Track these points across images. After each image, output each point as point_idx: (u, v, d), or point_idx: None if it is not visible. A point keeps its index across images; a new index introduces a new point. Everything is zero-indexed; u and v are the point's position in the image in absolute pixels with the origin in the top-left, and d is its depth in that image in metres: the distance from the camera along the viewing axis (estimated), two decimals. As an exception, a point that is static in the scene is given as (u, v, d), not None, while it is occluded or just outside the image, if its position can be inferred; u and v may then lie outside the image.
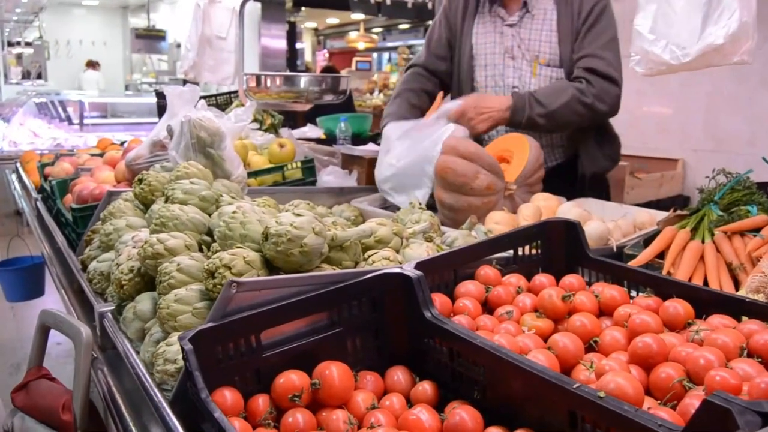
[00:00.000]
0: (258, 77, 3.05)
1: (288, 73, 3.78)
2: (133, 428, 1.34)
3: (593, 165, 2.75)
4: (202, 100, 2.58)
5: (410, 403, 1.24)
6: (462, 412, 1.12)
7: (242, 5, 3.66)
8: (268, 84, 3.12)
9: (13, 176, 4.41)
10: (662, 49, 2.28)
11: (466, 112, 2.50)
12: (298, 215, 1.40)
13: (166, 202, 1.79)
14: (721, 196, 1.90)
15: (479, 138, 2.77)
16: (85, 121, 8.61)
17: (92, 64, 15.55)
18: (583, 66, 2.57)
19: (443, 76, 2.98)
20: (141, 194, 1.97)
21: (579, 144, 2.73)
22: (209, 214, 1.73)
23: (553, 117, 2.52)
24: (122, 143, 4.06)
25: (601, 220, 2.04)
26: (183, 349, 1.11)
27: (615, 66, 2.59)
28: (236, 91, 4.24)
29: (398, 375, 1.30)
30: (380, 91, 14.14)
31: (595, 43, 2.57)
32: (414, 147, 2.41)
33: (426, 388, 1.25)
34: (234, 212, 1.49)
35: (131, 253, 1.65)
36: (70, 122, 8.54)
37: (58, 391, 1.69)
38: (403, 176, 2.42)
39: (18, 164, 4.37)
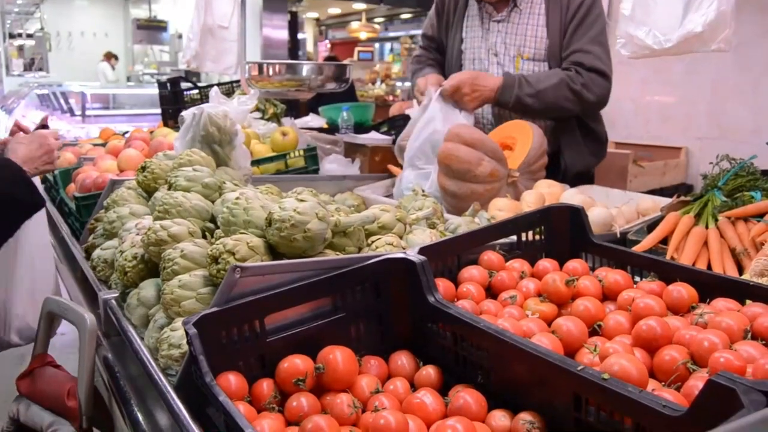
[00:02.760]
0: (260, 65, 3.04)
1: (290, 61, 3.78)
2: (138, 413, 1.34)
3: (577, 161, 2.74)
4: (216, 88, 2.58)
5: (414, 387, 1.25)
6: (466, 396, 1.12)
7: (244, -6, 3.65)
8: (271, 72, 3.11)
9: (16, 167, 4.40)
10: (645, 34, 2.33)
11: (461, 88, 2.53)
12: (302, 201, 1.40)
13: (169, 189, 1.79)
14: (725, 182, 1.90)
15: (483, 124, 2.77)
16: (87, 112, 8.62)
17: (108, 56, 15.51)
18: (571, 60, 2.58)
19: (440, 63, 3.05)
20: (144, 182, 1.97)
21: (562, 139, 2.71)
22: (212, 201, 1.73)
23: (542, 97, 2.52)
24: (124, 133, 4.06)
25: (605, 207, 2.04)
26: (187, 334, 1.12)
27: (602, 59, 2.59)
28: (238, 81, 4.23)
29: (402, 359, 1.30)
30: (382, 81, 14.11)
31: (583, 38, 2.58)
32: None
33: (430, 372, 1.25)
34: (237, 198, 1.49)
35: (135, 240, 1.65)
36: (72, 114, 8.55)
37: (62, 377, 1.70)
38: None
39: (21, 155, 4.36)
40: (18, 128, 2.25)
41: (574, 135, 2.73)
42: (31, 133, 2.04)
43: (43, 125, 2.27)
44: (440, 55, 3.03)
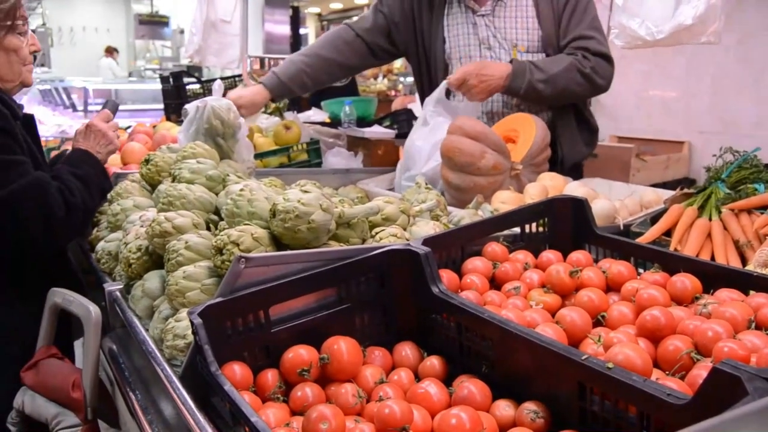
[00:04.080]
0: (262, 59, 3.04)
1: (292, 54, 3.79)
2: (142, 403, 1.35)
3: (574, 152, 2.72)
4: (219, 81, 2.57)
5: (418, 378, 1.25)
6: (470, 386, 1.12)
7: (246, -12, 3.66)
8: (273, 66, 3.11)
9: (19, 161, 4.41)
10: (639, 25, 2.35)
11: (468, 80, 2.48)
12: (306, 192, 1.40)
13: (173, 181, 1.79)
14: (729, 174, 1.89)
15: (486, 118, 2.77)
16: (89, 107, 8.60)
17: (110, 51, 15.51)
18: (575, 46, 2.57)
19: (376, 47, 2.91)
20: (147, 175, 1.97)
21: (559, 129, 2.69)
22: (216, 194, 1.74)
23: (554, 82, 2.50)
24: (127, 128, 4.06)
25: (608, 199, 2.04)
26: (192, 323, 1.12)
27: (604, 44, 2.60)
28: (240, 75, 4.24)
29: (406, 350, 1.30)
30: (384, 76, 14.07)
31: (581, 24, 2.57)
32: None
33: (434, 362, 1.26)
34: (241, 190, 1.50)
35: (139, 232, 1.66)
36: (75, 109, 8.53)
37: (67, 369, 1.70)
38: None
39: (23, 149, 4.37)
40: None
41: (571, 125, 2.72)
42: (84, 128, 2.18)
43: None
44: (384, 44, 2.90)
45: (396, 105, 5.25)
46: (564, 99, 2.63)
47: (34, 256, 1.90)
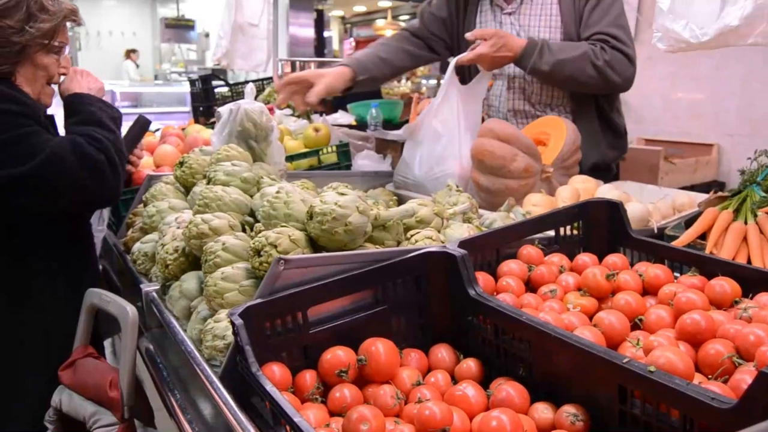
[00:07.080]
0: (293, 63, 3.05)
1: (322, 58, 3.80)
2: (181, 403, 1.37)
3: (592, 153, 2.67)
4: (251, 84, 2.59)
5: (455, 380, 1.25)
6: (508, 388, 1.13)
7: (274, -8, 3.69)
8: (303, 69, 3.12)
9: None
10: (683, 28, 2.31)
11: (481, 62, 2.52)
12: (342, 194, 1.41)
13: (208, 183, 1.81)
14: (764, 177, 1.87)
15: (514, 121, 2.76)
16: (117, 110, 8.68)
17: (128, 54, 15.73)
18: (595, 39, 2.53)
19: (431, 42, 2.97)
20: (182, 177, 1.99)
21: (581, 131, 2.67)
22: (250, 196, 1.75)
23: (560, 67, 2.47)
24: (156, 131, 4.10)
25: (641, 202, 2.03)
26: (233, 324, 1.14)
27: (626, 42, 2.54)
28: (269, 78, 4.26)
29: (442, 352, 1.31)
30: (408, 79, 14.07)
31: (602, 21, 2.54)
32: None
33: (470, 365, 1.26)
34: (277, 192, 1.51)
35: (176, 234, 1.68)
36: (102, 112, 8.61)
37: (104, 368, 1.73)
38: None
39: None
40: None
41: (592, 126, 2.68)
42: (75, 71, 2.15)
43: None
44: (434, 38, 2.96)
45: (422, 107, 5.24)
46: (573, 87, 2.61)
47: (91, 207, 1.98)
